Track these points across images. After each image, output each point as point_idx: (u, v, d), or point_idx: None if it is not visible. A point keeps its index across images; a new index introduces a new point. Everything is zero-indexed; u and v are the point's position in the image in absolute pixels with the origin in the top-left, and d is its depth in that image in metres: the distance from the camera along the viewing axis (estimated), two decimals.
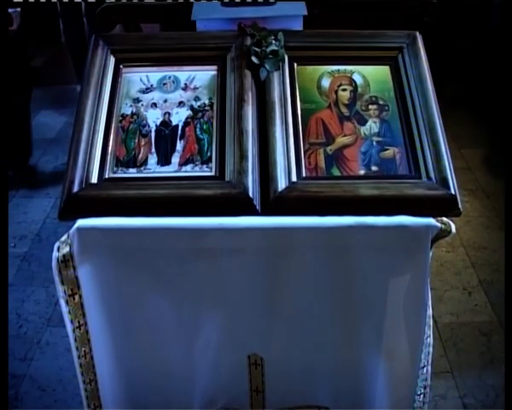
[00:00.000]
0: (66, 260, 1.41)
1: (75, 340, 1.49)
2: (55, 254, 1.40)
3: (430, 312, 1.50)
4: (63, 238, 1.40)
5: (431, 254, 1.43)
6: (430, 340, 1.55)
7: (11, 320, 3.00)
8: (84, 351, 1.51)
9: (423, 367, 1.57)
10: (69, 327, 1.48)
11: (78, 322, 1.48)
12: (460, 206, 1.42)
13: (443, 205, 1.42)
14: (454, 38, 4.26)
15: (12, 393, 2.67)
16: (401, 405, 1.60)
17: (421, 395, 1.61)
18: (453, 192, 1.42)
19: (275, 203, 1.38)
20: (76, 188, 1.41)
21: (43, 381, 2.74)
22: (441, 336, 2.88)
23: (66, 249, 1.40)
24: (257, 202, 1.38)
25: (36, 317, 3.09)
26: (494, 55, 4.20)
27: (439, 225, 1.39)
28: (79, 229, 1.38)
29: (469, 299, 3.15)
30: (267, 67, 1.56)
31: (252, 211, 1.37)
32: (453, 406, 2.61)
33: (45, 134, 4.59)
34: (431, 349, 1.56)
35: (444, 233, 1.40)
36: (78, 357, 1.52)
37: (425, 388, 1.61)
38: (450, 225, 1.40)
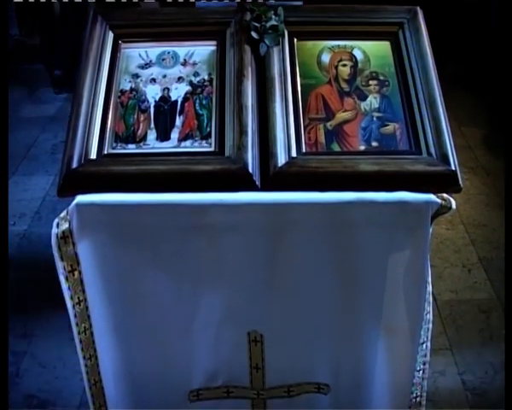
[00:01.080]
0: (66, 237, 1.41)
1: (75, 316, 1.49)
2: (54, 230, 1.40)
3: (430, 288, 1.50)
4: (62, 215, 1.40)
5: (431, 230, 1.42)
6: (430, 316, 1.55)
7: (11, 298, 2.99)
8: (84, 327, 1.51)
9: (423, 343, 1.57)
10: (69, 303, 1.48)
11: (78, 298, 1.48)
12: (460, 182, 1.42)
13: (443, 181, 1.41)
14: (454, 16, 4.24)
15: (13, 370, 2.68)
16: (401, 380, 1.60)
17: (421, 371, 1.61)
18: (453, 168, 1.41)
19: (274, 179, 1.37)
20: (75, 164, 1.41)
21: (44, 358, 2.75)
22: (441, 313, 2.89)
23: (65, 226, 1.40)
24: (256, 178, 1.38)
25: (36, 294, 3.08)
26: (494, 35, 4.18)
27: (439, 201, 1.38)
28: (78, 205, 1.37)
29: (469, 276, 3.16)
30: (267, 42, 1.55)
31: (251, 186, 1.37)
32: (452, 382, 2.62)
33: (44, 112, 4.57)
34: (430, 326, 1.56)
35: (444, 209, 1.40)
36: (78, 333, 1.52)
37: (424, 364, 1.61)
38: (450, 202, 1.39)
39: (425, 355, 1.60)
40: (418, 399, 1.65)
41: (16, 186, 3.73)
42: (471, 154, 3.99)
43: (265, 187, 1.38)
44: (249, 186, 1.37)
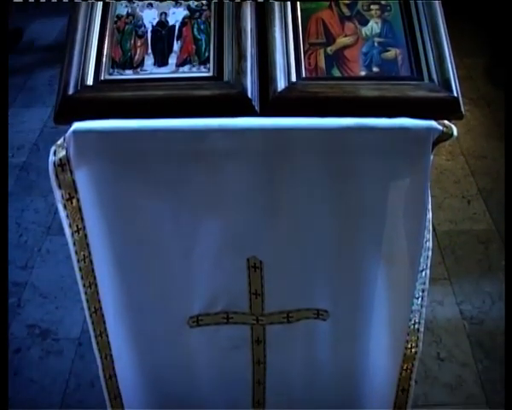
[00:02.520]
0: (63, 164, 1.39)
1: (74, 244, 1.49)
2: (51, 158, 1.39)
3: (430, 215, 1.50)
4: (59, 142, 1.39)
5: (431, 158, 1.41)
6: (429, 244, 1.55)
7: (11, 229, 3.03)
8: (84, 255, 1.51)
9: (422, 271, 1.58)
10: (68, 231, 1.48)
11: (77, 226, 1.47)
12: (462, 109, 1.40)
13: (445, 107, 1.39)
14: None
15: (14, 300, 2.72)
16: (399, 307, 1.61)
17: (420, 299, 1.62)
18: (455, 95, 1.39)
19: (274, 104, 1.35)
20: (71, 90, 1.38)
21: (45, 288, 2.79)
22: (439, 243, 2.91)
23: (62, 153, 1.38)
24: (256, 103, 1.35)
25: (36, 226, 3.12)
26: None
27: (440, 127, 1.36)
28: (75, 132, 1.35)
29: (468, 207, 3.18)
30: None
31: (251, 111, 1.35)
32: (450, 312, 2.66)
33: (41, 43, 4.53)
34: (430, 253, 1.56)
35: (445, 136, 1.38)
36: (78, 261, 1.52)
37: (423, 291, 1.62)
38: (451, 128, 1.38)
39: (424, 283, 1.61)
40: (416, 326, 1.66)
41: (14, 118, 3.72)
42: (472, 85, 3.97)
43: (265, 112, 1.35)
44: (248, 111, 1.35)
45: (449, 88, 1.39)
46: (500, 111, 3.51)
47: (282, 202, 1.43)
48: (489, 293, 2.71)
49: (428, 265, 1.58)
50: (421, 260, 1.55)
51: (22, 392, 2.36)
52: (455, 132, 1.38)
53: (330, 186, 1.42)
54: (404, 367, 1.72)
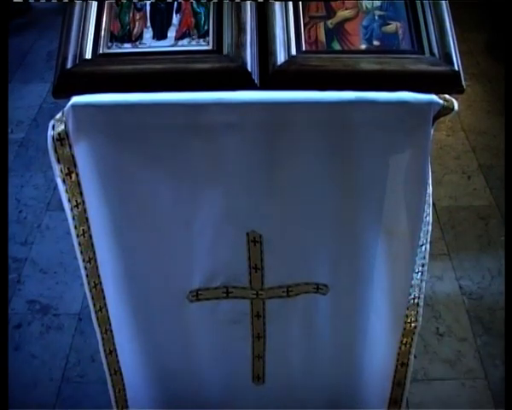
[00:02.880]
0: (62, 139, 1.39)
1: (73, 219, 1.49)
2: (49, 132, 1.38)
3: (430, 190, 1.50)
4: (58, 116, 1.38)
5: (432, 134, 1.40)
6: (429, 218, 1.55)
7: (10, 206, 3.04)
8: (83, 230, 1.51)
9: (422, 245, 1.58)
10: (67, 206, 1.48)
11: (76, 201, 1.47)
12: (463, 83, 1.39)
13: (446, 81, 1.38)
14: None
15: (14, 276, 2.73)
16: (399, 281, 1.61)
17: (419, 273, 1.62)
18: (456, 68, 1.38)
19: (274, 77, 1.34)
20: (69, 64, 1.37)
21: (45, 264, 2.80)
22: (439, 219, 2.92)
23: (61, 127, 1.37)
24: (255, 76, 1.34)
25: (35, 201, 3.13)
26: None
27: (441, 101, 1.35)
28: (74, 106, 1.34)
29: (468, 183, 3.17)
30: None
31: (250, 85, 1.34)
32: (449, 287, 2.67)
33: (40, 18, 4.51)
34: (430, 228, 1.56)
35: (446, 110, 1.37)
36: (77, 236, 1.51)
37: (423, 266, 1.62)
38: (452, 102, 1.37)
39: (424, 257, 1.61)
40: (416, 300, 1.66)
41: (13, 94, 3.71)
42: (473, 60, 3.95)
43: (264, 85, 1.34)
44: (248, 85, 1.34)
45: (450, 62, 1.38)
46: (501, 86, 3.50)
47: (282, 176, 1.42)
48: (488, 268, 2.72)
49: (428, 239, 1.58)
50: (421, 234, 1.54)
51: (23, 367, 2.37)
52: (456, 107, 1.37)
53: (330, 160, 1.41)
54: (404, 342, 1.72)
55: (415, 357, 1.81)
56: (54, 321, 2.53)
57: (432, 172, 1.48)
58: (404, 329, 1.70)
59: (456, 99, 1.37)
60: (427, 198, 1.49)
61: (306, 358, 1.83)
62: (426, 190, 1.47)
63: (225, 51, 1.37)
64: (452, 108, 1.37)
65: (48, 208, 3.02)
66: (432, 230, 1.58)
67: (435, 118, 1.38)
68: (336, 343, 1.79)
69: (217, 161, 1.40)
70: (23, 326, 2.51)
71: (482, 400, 2.26)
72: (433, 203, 1.55)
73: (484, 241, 2.85)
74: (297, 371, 1.86)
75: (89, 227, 1.51)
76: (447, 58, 1.39)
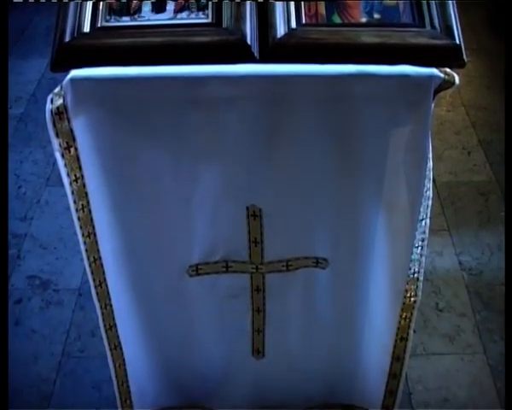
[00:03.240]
0: (60, 113, 1.38)
1: (72, 193, 1.48)
2: (48, 106, 1.37)
3: (431, 164, 1.49)
4: (56, 90, 1.37)
5: (432, 108, 1.40)
6: (429, 193, 1.55)
7: (10, 181, 3.04)
8: (82, 204, 1.50)
9: (422, 220, 1.57)
10: (66, 181, 1.47)
11: (75, 175, 1.46)
12: (464, 56, 1.38)
13: (446, 55, 1.37)
14: None
15: (14, 252, 2.74)
16: (399, 256, 1.61)
17: (419, 248, 1.62)
18: (458, 42, 1.37)
19: (273, 50, 1.33)
20: (68, 37, 1.36)
21: (44, 239, 2.80)
22: (439, 194, 2.92)
23: (59, 101, 1.37)
24: (255, 49, 1.33)
25: (34, 177, 3.12)
26: None
27: (442, 75, 1.35)
28: (73, 79, 1.33)
29: (468, 158, 3.17)
30: None
31: (250, 58, 1.33)
32: (449, 262, 2.67)
33: None
34: (430, 202, 1.56)
35: (447, 84, 1.36)
36: (76, 210, 1.51)
37: (423, 240, 1.62)
38: (453, 76, 1.36)
39: (424, 232, 1.60)
40: (416, 275, 1.66)
41: (11, 69, 3.69)
42: (474, 35, 3.93)
43: (264, 59, 1.34)
44: (247, 58, 1.33)
45: (451, 35, 1.37)
46: (502, 62, 3.47)
47: (282, 149, 1.42)
48: (488, 244, 2.72)
49: (428, 214, 1.58)
50: (421, 209, 1.54)
51: (23, 342, 2.38)
52: (456, 80, 1.36)
53: (330, 134, 1.41)
54: (403, 316, 1.73)
55: (414, 332, 1.81)
56: (54, 296, 2.54)
57: (432, 148, 1.48)
58: (404, 303, 1.70)
59: (457, 74, 1.37)
60: (427, 173, 1.49)
61: (306, 332, 1.83)
62: (426, 164, 1.47)
63: (225, 24, 1.36)
64: (453, 82, 1.37)
65: (47, 184, 3.02)
66: (432, 205, 1.58)
67: (436, 92, 1.38)
68: (336, 317, 1.79)
69: (216, 135, 1.40)
70: (23, 302, 2.52)
71: (481, 374, 2.27)
72: (433, 179, 1.55)
73: (484, 216, 2.85)
74: (296, 345, 1.86)
75: (88, 202, 1.51)
76: (448, 31, 1.38)
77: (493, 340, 2.36)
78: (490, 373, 2.26)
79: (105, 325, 1.73)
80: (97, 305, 1.69)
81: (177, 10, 1.40)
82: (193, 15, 1.39)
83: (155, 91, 1.35)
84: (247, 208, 1.52)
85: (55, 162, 2.85)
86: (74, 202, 1.50)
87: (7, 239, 2.65)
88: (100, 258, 1.60)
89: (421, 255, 1.64)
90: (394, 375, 1.87)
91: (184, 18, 1.39)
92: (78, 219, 1.52)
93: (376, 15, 1.41)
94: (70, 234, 2.58)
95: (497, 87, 3.53)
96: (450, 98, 3.41)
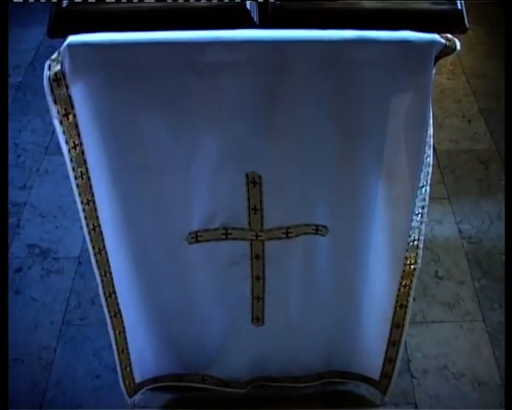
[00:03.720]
0: (58, 79, 1.36)
1: (71, 161, 1.47)
2: (46, 72, 1.35)
3: (431, 131, 1.48)
4: (54, 56, 1.35)
5: (433, 74, 1.39)
6: (430, 160, 1.54)
7: (9, 150, 3.02)
8: (81, 172, 1.49)
9: (422, 187, 1.57)
10: (64, 148, 1.46)
11: (74, 142, 1.45)
12: (466, 22, 1.37)
13: (448, 20, 1.36)
14: None
15: (14, 220, 2.74)
16: (399, 223, 1.61)
17: (419, 215, 1.61)
18: (459, 7, 1.36)
19: (274, 15, 1.32)
20: (65, 3, 1.34)
21: (44, 208, 2.80)
22: (439, 162, 2.91)
23: (57, 67, 1.35)
24: (255, 15, 1.32)
25: (33, 146, 3.12)
26: None
27: (443, 41, 1.34)
28: (70, 45, 1.32)
29: (469, 127, 3.16)
30: None
31: (249, 23, 1.31)
32: (449, 230, 2.67)
33: None
34: (430, 169, 1.55)
35: (448, 50, 1.35)
36: (75, 178, 1.50)
37: (423, 208, 1.61)
38: (455, 42, 1.35)
39: (424, 199, 1.60)
40: (416, 242, 1.66)
41: (9, 38, 3.66)
42: (475, 3, 3.89)
43: (264, 24, 1.32)
44: (247, 23, 1.31)
45: (453, 0, 1.36)
46: (503, 30, 3.45)
47: (282, 116, 1.41)
48: (488, 213, 2.72)
49: (428, 181, 1.57)
50: (422, 176, 1.53)
51: (24, 310, 2.39)
52: (458, 46, 1.35)
53: (330, 100, 1.40)
54: (403, 284, 1.73)
55: (414, 300, 1.82)
56: (54, 265, 2.54)
57: (432, 116, 1.47)
58: (404, 271, 1.70)
59: (458, 41, 1.35)
60: (428, 139, 1.48)
61: (306, 299, 1.83)
62: (427, 130, 1.46)
63: None
64: (454, 48, 1.36)
65: (46, 153, 3.01)
66: (432, 173, 1.58)
67: (437, 58, 1.37)
68: (335, 285, 1.79)
69: (216, 100, 1.39)
70: (23, 270, 2.52)
71: (480, 342, 2.28)
72: (433, 147, 1.54)
73: (484, 185, 2.84)
74: (296, 312, 1.87)
75: (87, 169, 1.50)
76: None
77: (492, 308, 2.37)
78: (489, 341, 2.27)
79: (105, 293, 1.73)
80: (97, 272, 1.68)
81: None
82: None
83: (154, 57, 1.33)
84: (247, 175, 1.52)
85: (53, 131, 2.85)
86: (73, 169, 1.49)
87: (7, 208, 2.65)
88: (99, 225, 1.60)
89: (421, 223, 1.64)
90: (394, 342, 1.88)
91: None
92: (77, 186, 1.51)
93: None
94: (69, 202, 2.58)
95: (499, 55, 3.50)
96: (451, 66, 3.39)
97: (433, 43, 1.34)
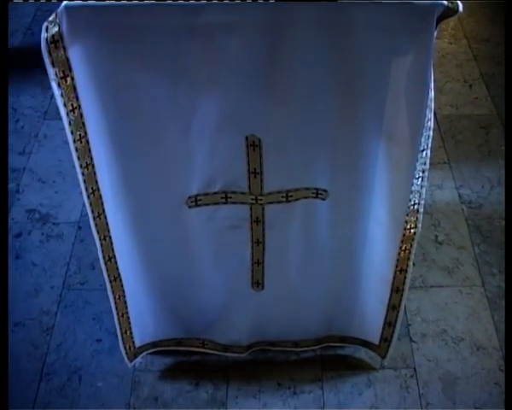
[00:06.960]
0: (56, 41, 1.35)
1: (69, 124, 1.46)
2: (43, 34, 1.34)
3: (432, 94, 1.47)
4: (51, 18, 1.34)
5: (435, 37, 1.37)
6: (430, 123, 1.53)
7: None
8: (80, 135, 1.48)
9: (423, 151, 1.56)
10: (63, 111, 1.45)
11: (72, 105, 1.44)
12: None
13: None
14: None
15: (13, 186, 2.73)
16: (400, 186, 1.61)
17: (420, 179, 1.61)
18: None
19: None
20: None
21: (43, 173, 2.80)
22: (440, 127, 2.90)
23: (54, 29, 1.34)
24: None
25: (32, 111, 3.10)
26: None
27: (445, 2, 1.32)
28: (67, 7, 1.31)
29: (470, 91, 3.14)
30: None
31: None
32: (449, 196, 2.67)
33: None
34: (431, 133, 1.54)
35: (450, 12, 1.34)
36: (74, 141, 1.49)
37: (423, 172, 1.60)
38: (456, 4, 1.33)
39: (424, 163, 1.59)
40: (416, 206, 1.66)
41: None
42: None
43: None
44: None
45: None
46: None
47: (282, 78, 1.40)
48: (488, 178, 2.71)
49: (429, 145, 1.56)
50: (422, 139, 1.52)
51: (25, 275, 2.39)
52: (460, 8, 1.34)
53: (330, 62, 1.39)
54: (403, 248, 1.73)
55: (413, 265, 1.82)
56: (53, 230, 2.54)
57: (433, 81, 1.46)
58: (404, 235, 1.70)
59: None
60: (428, 103, 1.47)
61: (305, 264, 1.84)
62: (428, 93, 1.45)
63: None
64: (456, 10, 1.34)
65: (45, 117, 3.00)
66: (432, 138, 1.57)
67: (439, 20, 1.35)
68: (335, 249, 1.80)
69: (215, 62, 1.37)
70: (23, 235, 2.52)
71: (479, 307, 2.29)
72: (434, 112, 1.53)
73: (484, 150, 2.83)
74: (296, 277, 1.87)
75: (86, 132, 1.49)
76: None
77: (492, 273, 2.37)
78: (488, 306, 2.28)
79: (104, 257, 1.74)
80: (96, 237, 1.68)
81: None
82: None
83: (152, 19, 1.32)
84: (247, 138, 1.51)
85: (52, 96, 2.83)
86: (72, 132, 1.48)
87: (6, 174, 2.64)
88: (98, 189, 1.59)
89: (421, 187, 1.63)
90: (393, 306, 1.88)
91: None
92: (76, 149, 1.51)
93: None
94: (69, 168, 2.57)
95: (500, 20, 3.48)
96: (453, 31, 3.36)
97: (434, 4, 1.32)
